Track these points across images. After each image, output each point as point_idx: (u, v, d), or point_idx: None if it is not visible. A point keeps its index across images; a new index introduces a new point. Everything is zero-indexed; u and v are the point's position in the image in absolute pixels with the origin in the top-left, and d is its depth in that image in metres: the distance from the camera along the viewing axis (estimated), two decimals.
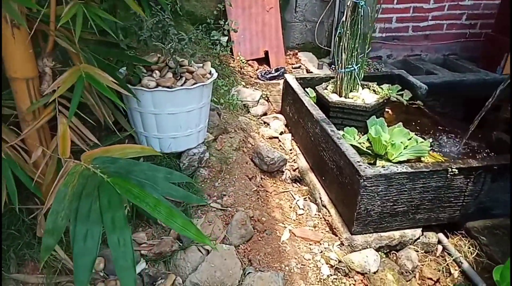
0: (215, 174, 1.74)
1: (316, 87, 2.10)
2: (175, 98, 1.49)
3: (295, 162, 2.09)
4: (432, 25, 3.72)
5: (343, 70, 1.95)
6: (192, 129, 1.61)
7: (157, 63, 1.58)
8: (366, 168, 1.45)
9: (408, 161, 1.66)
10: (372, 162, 1.73)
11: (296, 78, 2.34)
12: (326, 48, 3.59)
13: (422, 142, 1.77)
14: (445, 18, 3.70)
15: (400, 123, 1.92)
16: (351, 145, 1.65)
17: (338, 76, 1.99)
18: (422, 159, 1.67)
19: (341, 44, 1.92)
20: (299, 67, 3.32)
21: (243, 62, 3.12)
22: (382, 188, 1.45)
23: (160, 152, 1.62)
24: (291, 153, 2.16)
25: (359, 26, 1.86)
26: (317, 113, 1.89)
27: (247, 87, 2.73)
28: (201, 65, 1.72)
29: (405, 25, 3.66)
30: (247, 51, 3.20)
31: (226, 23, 3.04)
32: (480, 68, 3.44)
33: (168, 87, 1.49)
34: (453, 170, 1.47)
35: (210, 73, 1.69)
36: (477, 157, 1.82)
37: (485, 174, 1.53)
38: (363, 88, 2.10)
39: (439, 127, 2.09)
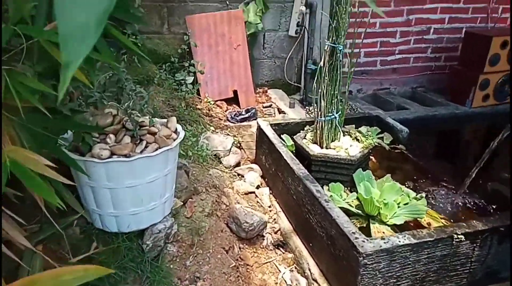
0: (186, 249, 1.47)
1: (294, 137, 1.91)
2: (134, 168, 1.24)
3: (276, 222, 1.86)
4: (399, 59, 3.72)
5: (323, 118, 1.78)
6: (155, 202, 1.35)
7: (112, 124, 1.32)
8: (364, 241, 1.24)
9: (405, 223, 1.48)
10: (364, 225, 1.54)
11: (271, 124, 2.15)
12: (296, 84, 3.46)
13: (416, 198, 1.61)
14: (411, 52, 3.72)
15: (388, 176, 1.76)
16: (341, 208, 1.46)
17: (318, 125, 1.82)
18: (419, 219, 1.50)
19: (319, 91, 1.76)
20: (270, 105, 3.15)
21: (211, 103, 2.90)
22: (384, 265, 1.25)
23: (118, 232, 1.34)
24: (270, 210, 1.94)
25: (338, 72, 1.71)
26: (299, 168, 1.69)
27: (217, 133, 2.51)
28: (165, 121, 1.48)
29: (373, 59, 3.64)
30: (215, 91, 3.00)
31: (191, 62, 2.84)
32: (449, 100, 3.44)
33: (125, 155, 1.23)
34: (459, 236, 1.30)
35: (176, 131, 1.45)
36: (478, 214, 1.67)
37: (492, 236, 1.37)
38: (344, 135, 1.94)
39: (427, 175, 1.95)
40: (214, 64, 2.97)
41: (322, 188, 1.75)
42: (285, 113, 2.97)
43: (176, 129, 1.46)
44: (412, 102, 3.46)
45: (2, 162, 0.84)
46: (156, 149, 1.28)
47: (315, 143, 1.87)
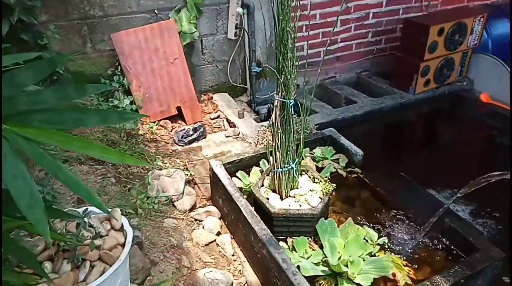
0: None
1: (252, 189, 1.81)
2: None
3: (242, 274, 1.81)
4: (342, 47, 3.66)
5: (280, 170, 1.69)
6: None
7: (45, 249, 1.13)
8: None
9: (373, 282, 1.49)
10: (334, 284, 1.52)
11: (224, 164, 2.02)
12: (241, 85, 3.30)
13: (379, 243, 1.62)
14: (353, 38, 3.67)
15: (350, 221, 1.74)
16: (308, 276, 1.43)
17: (276, 176, 1.73)
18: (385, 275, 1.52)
19: (273, 144, 1.65)
20: (218, 116, 2.99)
21: (152, 127, 2.67)
22: None
23: None
24: (234, 261, 1.87)
25: (291, 123, 1.61)
26: (261, 229, 1.62)
27: (166, 168, 2.33)
28: (106, 221, 1.29)
29: (317, 50, 3.54)
30: (157, 111, 2.76)
31: (124, 81, 2.56)
32: (393, 86, 3.50)
33: None
34: None
35: (121, 228, 1.29)
36: (438, 256, 1.71)
37: None
38: (302, 174, 1.87)
39: (386, 203, 1.97)
40: (151, 82, 2.70)
41: (286, 241, 1.71)
42: (235, 127, 2.83)
43: (122, 226, 1.30)
44: (359, 93, 3.46)
45: None
46: (103, 271, 1.13)
47: (274, 191, 1.79)
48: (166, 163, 2.39)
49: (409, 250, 1.72)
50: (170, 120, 2.85)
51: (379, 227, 1.85)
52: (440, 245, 1.76)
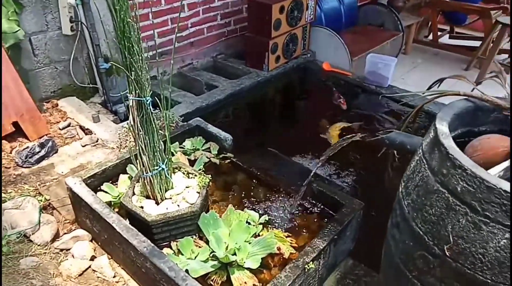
0: None
1: (122, 200, 1.64)
2: None
3: None
4: (194, 32, 3.60)
5: (149, 174, 1.57)
6: None
7: None
8: None
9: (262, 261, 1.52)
10: (225, 277, 1.51)
11: (85, 180, 1.79)
12: (91, 85, 2.96)
13: (261, 222, 1.67)
14: (203, 22, 3.64)
15: (231, 207, 1.74)
16: (198, 277, 1.38)
17: (146, 180, 1.60)
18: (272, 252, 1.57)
19: (137, 148, 1.51)
20: (69, 125, 2.62)
21: None
22: None
23: None
24: (117, 282, 1.69)
25: (153, 123, 1.48)
26: (139, 242, 1.48)
27: (11, 194, 1.95)
28: None
29: (169, 37, 3.40)
30: None
31: None
32: (248, 66, 3.62)
33: None
34: (310, 266, 1.43)
35: None
36: (314, 218, 1.85)
37: (329, 245, 1.57)
38: (175, 173, 1.78)
39: (260, 181, 2.03)
40: None
41: (170, 246, 1.62)
42: (91, 133, 2.53)
43: None
44: (218, 76, 3.48)
45: None
46: None
47: (148, 197, 1.65)
48: (10, 192, 1.99)
49: (288, 221, 1.82)
50: (7, 139, 2.38)
51: (259, 206, 1.91)
52: (313, 208, 1.91)
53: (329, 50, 3.82)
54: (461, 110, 1.18)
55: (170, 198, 1.66)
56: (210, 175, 1.78)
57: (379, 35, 4.28)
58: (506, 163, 1.06)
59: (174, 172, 1.78)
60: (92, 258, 1.75)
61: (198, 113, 2.84)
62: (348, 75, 3.53)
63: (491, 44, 4.36)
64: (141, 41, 1.43)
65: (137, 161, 1.56)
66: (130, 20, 1.38)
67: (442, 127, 1.07)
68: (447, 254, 1.00)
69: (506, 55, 4.47)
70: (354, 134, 1.50)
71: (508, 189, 0.87)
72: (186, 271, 1.41)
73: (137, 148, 1.51)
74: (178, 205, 1.63)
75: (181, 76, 3.60)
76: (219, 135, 2.18)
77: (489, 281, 0.95)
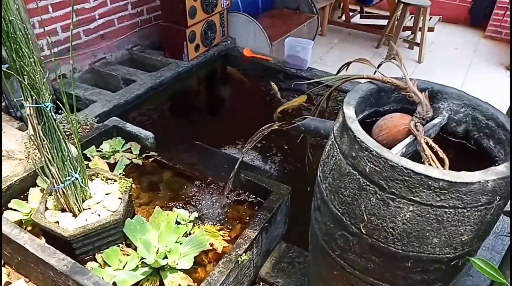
0: None
1: (33, 217, 1.48)
2: None
3: None
4: (103, 23, 3.36)
5: (61, 186, 1.43)
6: None
7: None
8: None
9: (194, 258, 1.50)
10: (158, 282, 1.46)
11: None
12: None
13: (191, 220, 1.63)
14: (112, 13, 3.40)
15: (158, 208, 1.68)
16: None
17: (59, 193, 1.46)
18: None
19: (43, 159, 1.36)
20: None
21: None
22: None
23: None
24: None
25: (57, 131, 1.35)
26: (58, 260, 1.37)
27: None
28: None
29: (75, 31, 3.13)
30: None
31: None
32: (167, 55, 3.49)
33: None
34: (243, 258, 1.44)
35: None
36: (244, 207, 1.85)
37: (261, 234, 1.59)
38: (92, 180, 1.66)
39: (188, 180, 1.98)
40: None
41: (95, 259, 1.52)
42: None
43: None
44: (135, 70, 3.31)
45: None
46: None
47: (63, 210, 1.52)
48: None
49: (220, 215, 1.81)
50: None
51: (188, 203, 1.87)
52: (243, 198, 1.92)
53: (248, 36, 3.82)
54: (366, 93, 1.24)
55: (89, 209, 1.54)
56: (131, 179, 1.69)
57: (295, 18, 4.38)
58: (408, 140, 1.15)
59: (91, 180, 1.66)
60: (7, 284, 1.58)
61: (117, 111, 2.68)
62: (269, 60, 3.57)
63: (396, 22, 4.70)
64: (31, 42, 1.27)
65: (45, 173, 1.41)
66: (13, 18, 1.22)
67: (349, 111, 1.11)
68: (363, 231, 1.06)
69: (410, 32, 4.85)
70: (272, 123, 1.52)
71: (408, 166, 0.94)
72: (114, 284, 1.34)
73: (43, 159, 1.36)
74: (99, 215, 1.52)
75: (94, 72, 3.35)
76: (139, 133, 2.08)
77: (400, 251, 1.03)
